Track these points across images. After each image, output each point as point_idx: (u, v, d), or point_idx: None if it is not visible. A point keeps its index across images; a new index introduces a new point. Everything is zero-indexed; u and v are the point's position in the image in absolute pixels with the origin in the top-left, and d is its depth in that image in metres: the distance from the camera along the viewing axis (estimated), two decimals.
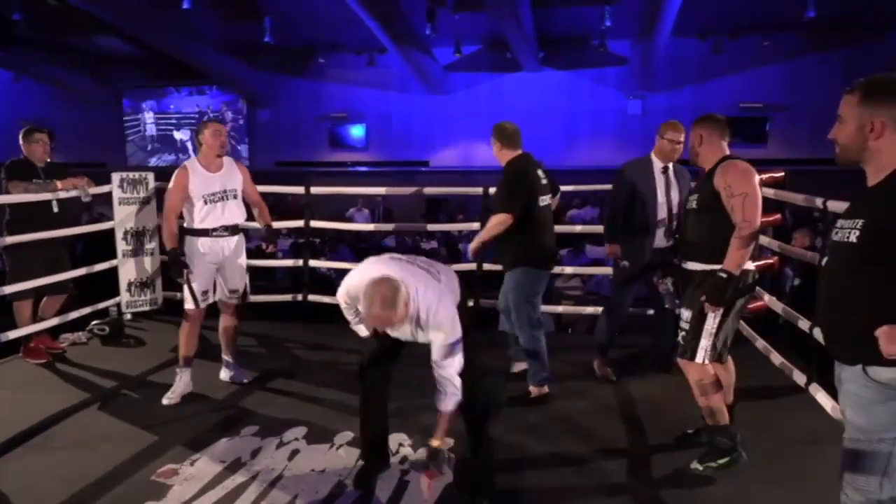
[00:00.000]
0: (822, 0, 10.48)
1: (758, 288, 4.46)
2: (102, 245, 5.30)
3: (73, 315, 4.62)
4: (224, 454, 3.00)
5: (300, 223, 5.36)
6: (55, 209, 4.28)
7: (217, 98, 15.94)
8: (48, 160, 4.34)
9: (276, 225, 7.32)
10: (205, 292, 3.71)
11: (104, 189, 5.00)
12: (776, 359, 3.96)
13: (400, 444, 3.05)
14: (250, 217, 3.92)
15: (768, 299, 4.28)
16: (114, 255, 5.06)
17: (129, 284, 5.13)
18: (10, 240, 4.07)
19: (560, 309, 5.53)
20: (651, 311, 4.29)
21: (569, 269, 6.12)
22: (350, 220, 12.36)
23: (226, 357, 3.92)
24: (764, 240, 4.40)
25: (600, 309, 4.37)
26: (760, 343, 4.24)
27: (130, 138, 16.52)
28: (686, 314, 2.82)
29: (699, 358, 2.77)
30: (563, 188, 5.57)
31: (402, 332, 2.55)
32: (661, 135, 3.84)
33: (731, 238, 2.68)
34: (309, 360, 4.40)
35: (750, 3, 11.68)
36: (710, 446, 2.87)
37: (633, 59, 13.35)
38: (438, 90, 14.44)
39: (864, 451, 1.72)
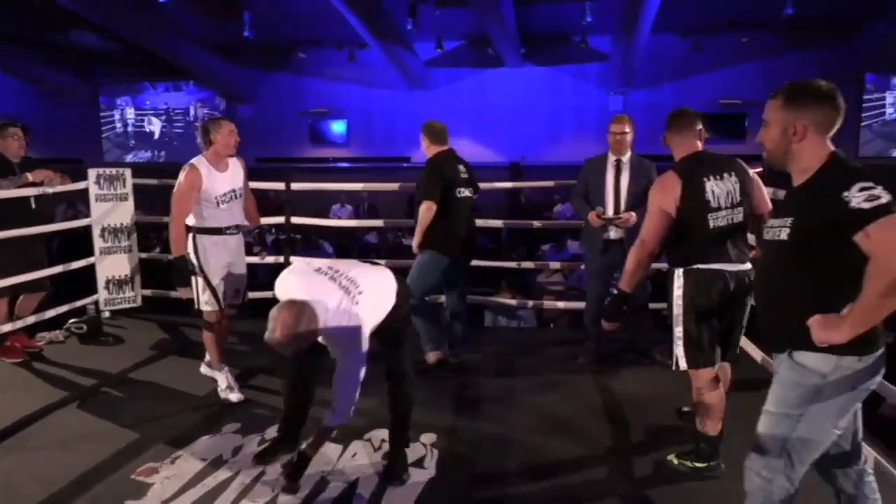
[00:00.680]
0: None
1: None
2: (79, 242, 5.23)
3: (51, 313, 4.55)
4: (205, 452, 2.97)
5: (281, 219, 5.33)
6: (33, 205, 4.21)
7: (193, 94, 15.74)
8: (23, 156, 4.27)
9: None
10: (236, 291, 3.64)
11: (80, 185, 4.93)
12: (755, 353, 4.01)
13: (383, 439, 3.05)
14: None
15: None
16: (91, 253, 4.99)
17: (108, 282, 5.07)
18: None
19: (545, 304, 5.56)
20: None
21: (552, 265, 6.15)
22: (334, 216, 12.31)
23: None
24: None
25: (583, 304, 4.42)
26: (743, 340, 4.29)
27: (106, 135, 16.27)
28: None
29: (674, 365, 2.72)
30: (546, 183, 5.63)
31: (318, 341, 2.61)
32: (608, 128, 3.97)
33: (678, 239, 2.67)
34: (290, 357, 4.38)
35: (729, 1, 11.80)
36: (694, 446, 2.84)
37: (614, 55, 13.42)
38: (420, 86, 14.40)
39: (770, 423, 1.89)
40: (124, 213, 5.09)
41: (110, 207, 5.03)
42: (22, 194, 4.14)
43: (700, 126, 2.83)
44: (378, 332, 2.65)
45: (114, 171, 5.10)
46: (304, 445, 2.68)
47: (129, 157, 16.00)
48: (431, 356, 3.99)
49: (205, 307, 3.53)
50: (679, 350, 2.69)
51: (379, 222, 7.83)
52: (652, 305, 4.30)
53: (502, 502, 2.63)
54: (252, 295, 5.23)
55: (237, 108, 15.45)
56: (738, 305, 2.70)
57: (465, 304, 4.28)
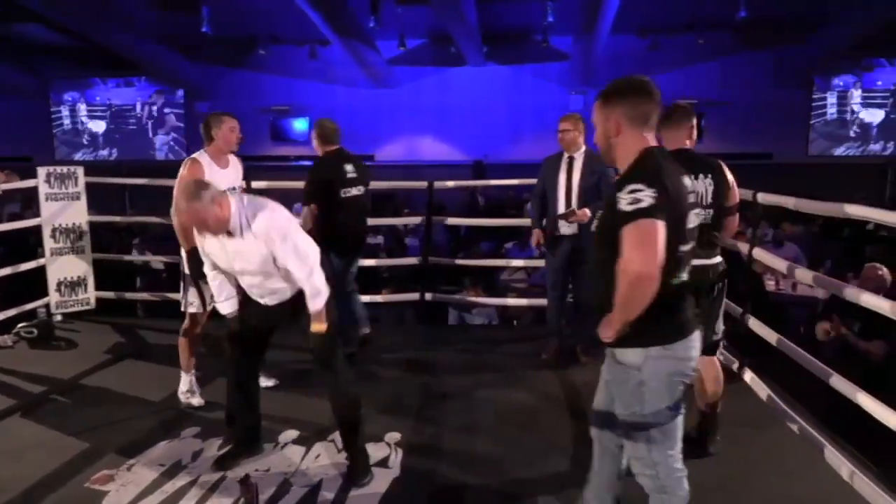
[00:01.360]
0: (752, 1, 10.90)
1: None
2: (26, 243, 5.06)
3: None
4: (163, 457, 2.90)
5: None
6: None
7: (146, 90, 15.32)
8: None
9: None
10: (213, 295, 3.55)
11: (29, 184, 4.77)
12: (761, 391, 4.07)
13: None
14: None
15: None
16: (36, 255, 4.82)
17: (59, 284, 4.90)
18: None
19: (509, 301, 5.59)
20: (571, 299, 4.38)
21: (515, 262, 6.19)
22: (296, 214, 12.15)
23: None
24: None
25: (545, 301, 4.46)
26: None
27: (55, 131, 15.72)
28: None
29: None
30: (509, 182, 5.65)
31: (238, 256, 2.55)
32: (558, 126, 4.05)
33: None
34: None
35: (685, 3, 12.05)
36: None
37: (574, 55, 13.57)
38: (383, 84, 14.33)
39: (627, 427, 1.94)
40: (77, 212, 4.93)
41: (61, 207, 4.87)
42: None
43: (692, 124, 2.84)
44: (303, 317, 2.63)
45: (65, 169, 4.93)
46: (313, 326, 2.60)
47: (78, 155, 15.48)
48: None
49: (189, 308, 3.46)
50: None
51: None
52: None
53: (468, 500, 2.64)
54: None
55: (195, 105, 15.12)
56: (702, 298, 2.75)
57: (360, 303, 4.37)
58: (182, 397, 3.48)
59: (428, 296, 5.12)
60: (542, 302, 4.63)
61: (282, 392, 3.58)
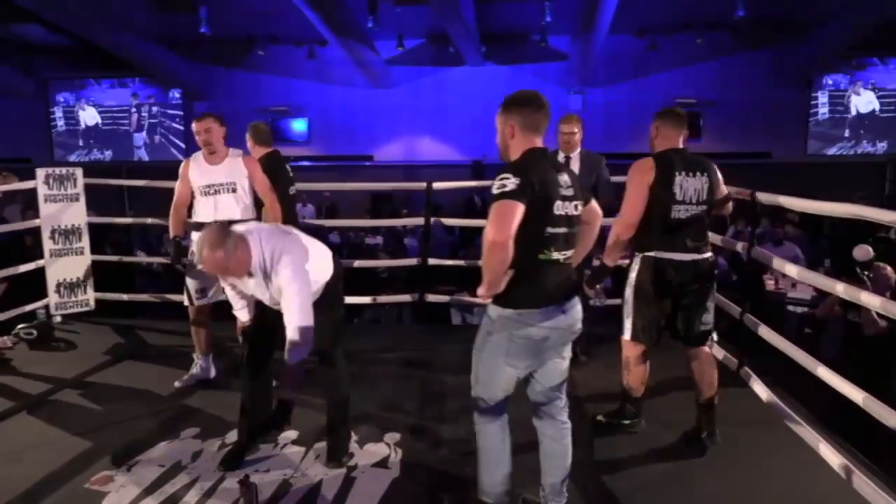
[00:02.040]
0: (750, 1, 10.92)
1: None
2: (26, 245, 5.06)
3: None
4: (163, 458, 2.90)
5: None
6: None
7: (141, 91, 15.30)
8: None
9: None
10: (201, 290, 3.65)
11: (28, 185, 4.77)
12: (762, 392, 4.07)
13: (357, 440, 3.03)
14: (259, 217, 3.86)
15: None
16: (36, 257, 4.82)
17: (59, 285, 4.90)
18: None
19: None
20: None
21: None
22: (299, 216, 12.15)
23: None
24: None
25: None
26: None
27: (52, 133, 15.70)
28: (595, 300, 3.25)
29: (625, 334, 3.06)
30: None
31: (256, 288, 2.62)
32: (558, 127, 4.04)
33: (640, 227, 2.95)
34: None
35: (683, 2, 12.07)
36: (619, 408, 3.21)
37: (573, 54, 13.57)
38: (381, 84, 14.32)
39: (474, 358, 2.33)
40: (76, 214, 4.93)
41: (61, 208, 4.86)
42: None
43: (686, 131, 3.06)
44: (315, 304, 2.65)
45: (64, 170, 4.93)
46: (279, 393, 2.61)
47: (73, 157, 15.45)
48: None
49: (185, 300, 3.70)
50: (627, 323, 3.03)
51: (347, 221, 7.77)
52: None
53: (467, 500, 2.63)
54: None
55: (194, 105, 15.11)
56: (690, 291, 2.95)
57: None
58: (192, 369, 3.67)
59: (427, 296, 5.12)
60: None
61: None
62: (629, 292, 3.01)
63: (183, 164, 3.70)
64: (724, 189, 3.14)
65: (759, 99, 13.40)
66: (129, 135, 15.09)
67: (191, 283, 3.66)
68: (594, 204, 2.44)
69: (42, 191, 4.79)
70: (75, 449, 2.98)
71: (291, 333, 2.52)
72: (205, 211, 3.62)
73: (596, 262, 3.26)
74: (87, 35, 11.82)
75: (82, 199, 4.96)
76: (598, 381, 3.79)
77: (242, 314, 2.95)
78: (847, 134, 13.43)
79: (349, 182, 12.33)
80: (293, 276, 2.51)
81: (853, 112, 13.35)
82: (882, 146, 13.29)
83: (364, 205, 13.52)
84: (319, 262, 2.71)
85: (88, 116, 15.51)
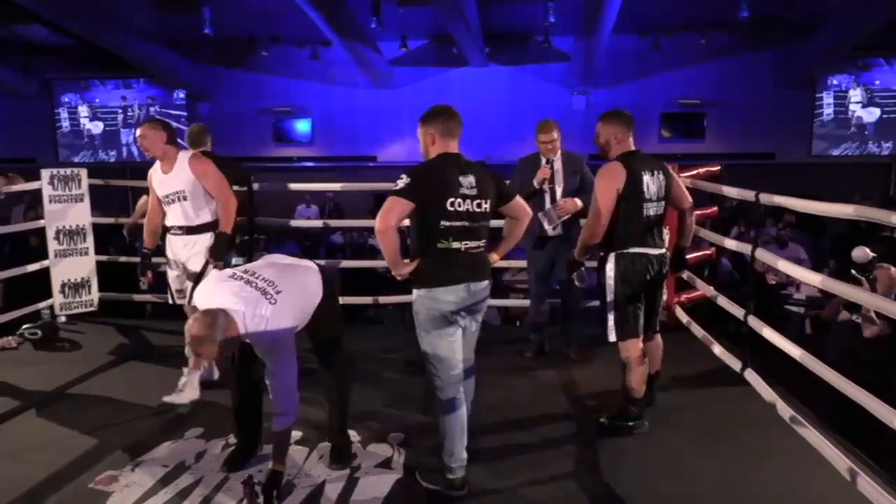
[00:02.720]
0: (754, 1, 10.89)
1: (696, 278, 4.66)
2: (31, 246, 5.07)
3: (2, 319, 4.40)
4: (166, 458, 2.91)
5: (243, 219, 5.24)
6: None
7: (144, 91, 15.31)
8: None
9: None
10: (179, 291, 3.70)
11: (34, 185, 4.78)
12: (713, 346, 4.11)
13: (359, 441, 3.03)
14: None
15: (705, 289, 4.44)
16: (42, 256, 4.84)
17: (63, 286, 4.91)
18: None
19: (507, 302, 5.60)
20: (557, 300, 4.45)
21: (517, 263, 6.18)
22: (299, 216, 12.18)
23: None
24: (702, 232, 4.57)
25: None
26: (698, 331, 4.39)
27: (57, 133, 15.73)
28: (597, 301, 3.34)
29: (610, 336, 3.13)
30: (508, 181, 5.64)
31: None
32: (536, 136, 4.08)
33: (612, 226, 3.08)
34: None
35: (687, 3, 12.04)
36: (621, 409, 3.20)
37: (576, 55, 13.56)
38: (385, 84, 14.33)
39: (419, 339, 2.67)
40: (80, 214, 4.95)
41: (65, 209, 4.88)
42: None
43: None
44: (308, 327, 2.73)
45: (68, 171, 4.95)
46: (269, 464, 2.63)
47: (78, 158, 15.48)
48: None
49: (169, 299, 3.78)
50: (610, 324, 3.12)
51: (345, 222, 7.78)
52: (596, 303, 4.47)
53: (470, 500, 2.64)
54: None
55: (198, 106, 15.14)
56: (658, 284, 3.20)
57: None
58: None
59: None
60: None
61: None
62: (609, 292, 3.11)
63: (149, 175, 3.72)
64: (687, 195, 3.32)
65: (762, 99, 13.36)
66: (132, 135, 15.11)
67: (171, 283, 3.76)
68: (519, 200, 2.81)
69: (47, 191, 4.81)
70: (79, 449, 2.99)
71: (276, 405, 2.58)
72: (169, 218, 3.68)
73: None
74: (89, 35, 11.85)
75: (87, 199, 4.97)
76: (599, 381, 3.79)
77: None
78: (852, 135, 13.38)
79: (352, 182, 12.34)
80: (275, 352, 2.54)
81: (856, 112, 13.31)
82: (888, 147, 13.24)
83: (367, 205, 13.52)
84: (307, 294, 2.70)
85: (93, 118, 15.55)
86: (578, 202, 3.99)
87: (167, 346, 4.52)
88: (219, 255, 3.62)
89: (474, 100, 14.17)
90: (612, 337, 3.13)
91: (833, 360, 3.46)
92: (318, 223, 8.37)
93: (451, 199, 2.53)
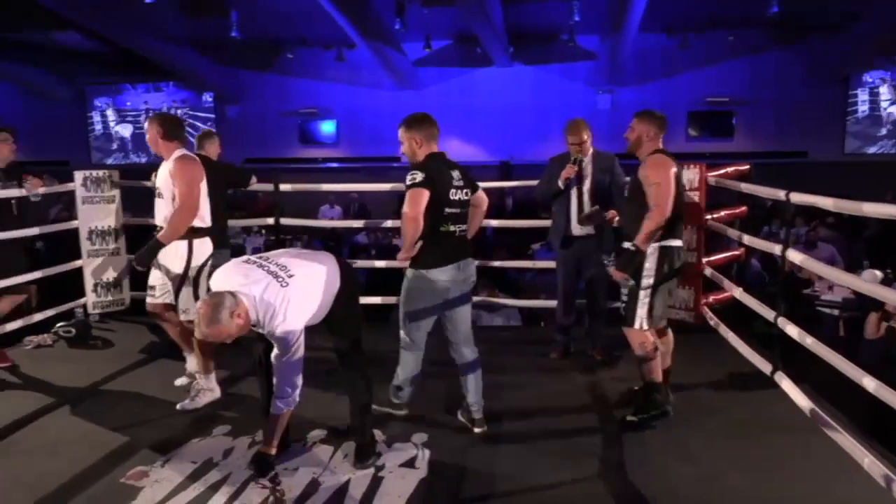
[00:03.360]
0: None
1: (724, 278, 4.58)
2: (67, 245, 5.19)
3: (38, 317, 4.51)
4: (195, 455, 2.96)
5: (270, 221, 5.31)
6: (14, 211, 4.17)
7: (173, 94, 15.60)
8: (12, 160, 4.23)
9: (246, 223, 7.20)
10: (152, 287, 3.69)
11: (67, 187, 4.89)
12: (742, 348, 4.04)
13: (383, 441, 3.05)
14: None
15: (734, 289, 4.37)
16: (78, 256, 4.95)
17: (96, 285, 5.02)
18: None
19: (530, 303, 5.57)
20: (583, 301, 4.40)
21: (540, 264, 6.15)
22: (323, 217, 12.28)
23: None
24: (730, 232, 4.49)
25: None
26: (727, 332, 4.32)
27: (90, 136, 16.10)
28: (624, 289, 3.33)
29: (636, 325, 3.20)
30: (530, 182, 5.65)
31: (263, 332, 2.64)
32: (565, 137, 4.07)
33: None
34: None
35: (715, 0, 11.87)
36: (644, 400, 3.24)
37: (601, 54, 13.46)
38: (409, 85, 14.39)
39: (399, 306, 3.19)
40: (112, 215, 5.05)
41: (97, 210, 4.98)
42: (5, 195, 4.10)
43: None
44: (328, 324, 2.78)
45: (101, 172, 5.05)
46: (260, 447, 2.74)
47: (110, 160, 15.80)
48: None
49: (183, 315, 3.64)
50: (643, 313, 3.19)
51: (373, 222, 7.82)
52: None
53: (494, 500, 2.63)
54: None
55: (225, 109, 15.36)
56: (678, 273, 3.33)
57: None
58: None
59: None
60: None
61: (310, 391, 3.60)
62: (647, 282, 3.17)
63: None
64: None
65: (793, 97, 13.11)
66: None
67: (149, 279, 3.68)
68: (481, 192, 3.20)
69: (80, 193, 4.92)
70: (111, 444, 3.05)
71: (278, 388, 2.64)
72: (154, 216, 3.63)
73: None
74: (120, 41, 12.10)
75: (118, 200, 5.08)
76: (624, 383, 3.75)
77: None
78: (888, 133, 13.05)
79: (376, 183, 12.40)
80: (284, 336, 2.57)
81: (889, 109, 12.98)
82: None
83: (392, 206, 13.59)
84: (322, 281, 2.71)
85: (123, 121, 15.88)
86: (612, 213, 3.92)
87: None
88: (142, 262, 3.52)
89: (498, 100, 14.17)
90: (640, 324, 3.19)
91: (867, 363, 3.38)
92: (342, 223, 8.42)
93: (451, 190, 3.00)
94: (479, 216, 3.25)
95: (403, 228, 2.91)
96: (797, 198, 3.41)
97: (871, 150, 13.15)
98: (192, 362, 3.75)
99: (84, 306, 4.99)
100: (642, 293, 3.19)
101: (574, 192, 4.06)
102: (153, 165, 3.87)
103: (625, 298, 3.30)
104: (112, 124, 15.98)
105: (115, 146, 16.04)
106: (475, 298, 5.38)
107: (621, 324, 3.31)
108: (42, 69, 14.92)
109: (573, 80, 14.05)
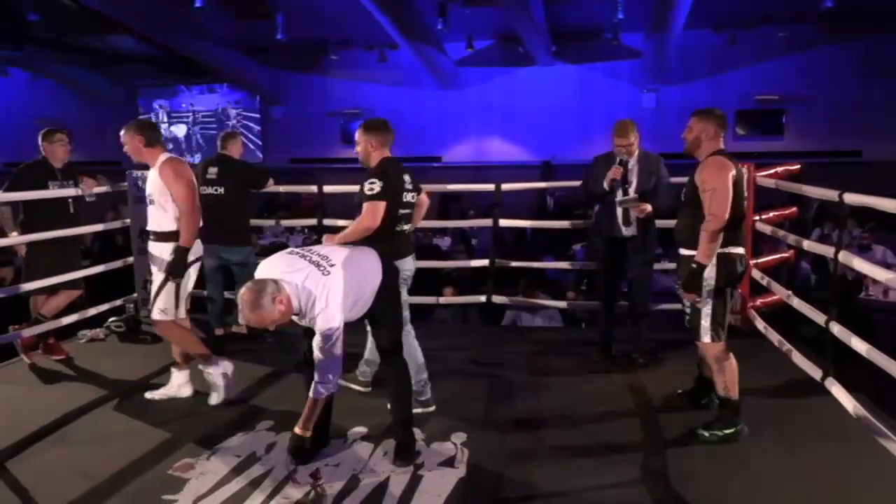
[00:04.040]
0: None
1: (773, 282, 4.45)
2: (115, 245, 5.37)
3: (92, 312, 4.69)
4: (239, 448, 3.03)
5: (313, 221, 5.39)
6: (71, 210, 4.32)
7: (227, 96, 15.94)
8: (67, 161, 4.38)
9: (288, 223, 7.31)
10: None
11: (121, 187, 5.06)
12: (792, 353, 3.92)
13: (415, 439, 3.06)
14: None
15: (784, 293, 4.24)
16: (127, 254, 5.11)
17: (145, 282, 5.17)
18: (23, 238, 4.12)
19: (562, 304, 5.51)
20: (625, 302, 4.33)
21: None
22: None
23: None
24: (780, 234, 4.37)
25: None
26: (776, 337, 4.20)
27: None
28: (685, 300, 3.13)
29: (706, 338, 3.04)
30: (573, 183, 5.59)
31: (300, 320, 2.73)
32: (613, 140, 4.00)
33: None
34: None
35: None
36: (718, 416, 3.08)
37: (646, 52, 13.21)
38: (450, 85, 14.39)
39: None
40: None
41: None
42: (61, 195, 4.25)
43: None
44: (370, 320, 2.86)
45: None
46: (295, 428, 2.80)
47: None
48: (218, 331, 4.74)
49: (160, 315, 3.57)
50: (707, 324, 3.02)
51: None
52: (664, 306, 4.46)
53: (533, 501, 2.62)
54: None
55: (270, 110, 15.65)
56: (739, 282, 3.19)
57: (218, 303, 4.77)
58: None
59: (495, 298, 5.10)
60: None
61: (350, 389, 3.66)
62: (708, 292, 3.00)
63: None
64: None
65: (847, 95, 12.62)
66: (216, 139, 15.79)
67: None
68: (424, 195, 3.49)
69: (132, 192, 5.08)
70: (159, 437, 3.15)
71: (320, 373, 2.69)
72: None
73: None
74: (169, 44, 12.46)
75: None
76: (666, 386, 3.69)
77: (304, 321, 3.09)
78: None
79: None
80: (325, 322, 2.62)
81: None
82: None
83: (433, 205, 13.63)
84: (364, 273, 2.79)
85: (177, 121, 16.34)
86: (649, 207, 3.92)
87: (242, 338, 4.69)
88: (176, 272, 3.43)
89: (541, 99, 14.05)
90: (708, 339, 3.03)
91: None
92: None
93: (404, 193, 3.25)
94: (420, 215, 3.53)
95: (356, 232, 3.13)
96: (851, 198, 3.29)
97: None
98: (178, 375, 3.68)
99: (135, 302, 5.16)
100: (703, 307, 3.02)
101: (619, 194, 4.01)
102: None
103: (688, 310, 3.13)
104: (165, 125, 16.45)
105: (169, 147, 16.49)
106: (516, 298, 5.41)
107: (693, 338, 3.14)
108: (97, 72, 15.45)
109: (617, 78, 13.82)
